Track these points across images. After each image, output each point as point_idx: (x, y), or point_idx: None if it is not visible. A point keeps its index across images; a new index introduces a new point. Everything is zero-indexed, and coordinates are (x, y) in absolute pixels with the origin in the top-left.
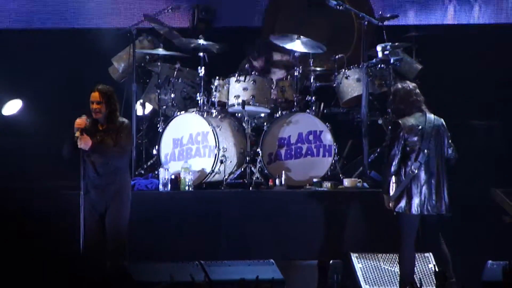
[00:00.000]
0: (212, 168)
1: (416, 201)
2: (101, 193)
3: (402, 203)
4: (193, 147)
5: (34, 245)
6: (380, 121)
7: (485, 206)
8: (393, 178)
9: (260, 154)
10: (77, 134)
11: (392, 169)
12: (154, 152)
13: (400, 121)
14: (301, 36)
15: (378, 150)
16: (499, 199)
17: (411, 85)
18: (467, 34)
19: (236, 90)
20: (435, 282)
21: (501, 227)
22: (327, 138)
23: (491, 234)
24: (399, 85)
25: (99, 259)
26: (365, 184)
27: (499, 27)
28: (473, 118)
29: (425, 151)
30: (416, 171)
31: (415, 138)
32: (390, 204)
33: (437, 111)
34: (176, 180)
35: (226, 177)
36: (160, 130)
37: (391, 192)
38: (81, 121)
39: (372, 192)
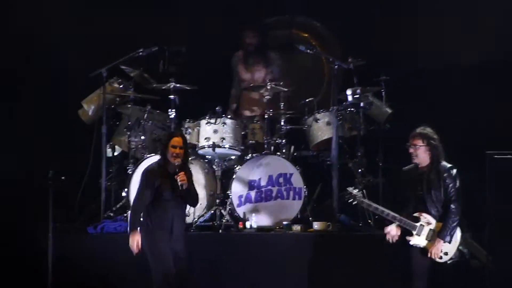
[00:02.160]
0: None
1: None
2: (178, 238)
3: (460, 251)
4: None
5: None
6: (350, 164)
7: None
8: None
9: (230, 197)
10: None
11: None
12: (124, 194)
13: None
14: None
15: None
16: (465, 243)
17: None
18: (436, 77)
19: (207, 132)
20: None
21: (469, 271)
22: (297, 181)
23: (459, 279)
24: (431, 131)
25: None
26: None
27: (469, 68)
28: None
29: None
30: None
31: None
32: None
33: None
34: None
35: (196, 219)
36: (130, 172)
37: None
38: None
39: (341, 235)
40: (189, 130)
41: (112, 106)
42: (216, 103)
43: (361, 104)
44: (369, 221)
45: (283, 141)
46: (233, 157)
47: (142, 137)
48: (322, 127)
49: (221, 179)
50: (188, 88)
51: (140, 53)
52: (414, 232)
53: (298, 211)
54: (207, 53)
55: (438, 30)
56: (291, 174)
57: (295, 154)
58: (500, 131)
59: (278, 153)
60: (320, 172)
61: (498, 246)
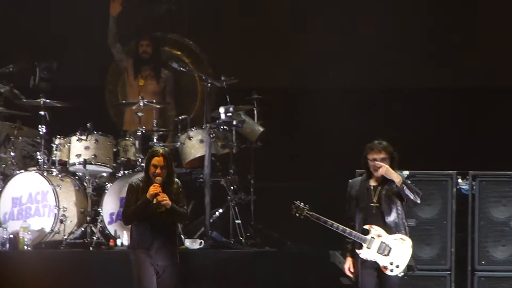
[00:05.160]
0: (51, 227)
1: None
2: (160, 253)
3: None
4: (32, 206)
5: None
6: (222, 182)
7: (323, 267)
8: None
9: (101, 214)
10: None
11: None
12: None
13: None
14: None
15: (221, 210)
16: (337, 261)
17: None
18: (308, 97)
19: (78, 149)
20: None
21: None
22: None
23: None
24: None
25: None
26: None
27: (342, 89)
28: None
29: None
30: None
31: None
32: None
33: (279, 174)
34: (14, 240)
35: (66, 236)
36: None
37: None
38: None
39: (214, 252)
40: (60, 146)
41: None
42: (87, 119)
43: (234, 122)
44: (241, 238)
45: None
46: (104, 174)
47: (12, 154)
48: (195, 145)
49: (92, 196)
50: (58, 104)
51: (10, 69)
52: (365, 245)
53: None
54: (78, 69)
55: (308, 51)
56: None
57: None
58: None
59: None
60: (192, 189)
61: None
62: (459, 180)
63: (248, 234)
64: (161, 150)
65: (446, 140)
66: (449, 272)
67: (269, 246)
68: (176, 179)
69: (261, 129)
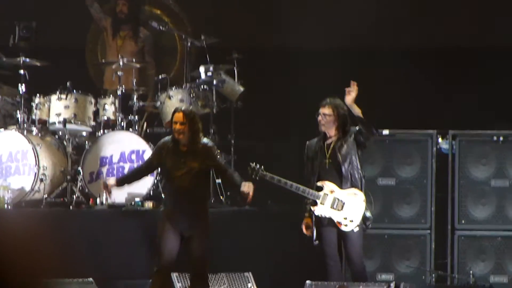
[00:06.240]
0: (31, 186)
1: None
2: (186, 217)
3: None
4: (12, 165)
5: None
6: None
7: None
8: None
9: (81, 173)
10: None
11: None
12: None
13: None
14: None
15: None
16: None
17: None
18: (290, 56)
19: (57, 108)
20: None
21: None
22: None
23: (306, 255)
24: (340, 102)
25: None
26: None
27: (316, 50)
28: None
29: None
30: None
31: None
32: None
33: (259, 134)
34: None
35: (46, 195)
36: None
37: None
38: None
39: None
40: (40, 105)
41: None
42: (67, 78)
43: (214, 82)
44: (221, 197)
45: (136, 117)
46: (84, 133)
47: None
48: (175, 104)
49: (72, 156)
50: (38, 63)
51: None
52: (318, 201)
53: (150, 187)
54: (58, 28)
55: (291, 11)
56: (143, 151)
57: (147, 130)
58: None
59: (131, 129)
60: None
61: None
62: (439, 139)
63: (228, 193)
64: (182, 107)
65: (426, 99)
66: (429, 231)
67: (249, 205)
68: (207, 141)
69: (242, 89)
